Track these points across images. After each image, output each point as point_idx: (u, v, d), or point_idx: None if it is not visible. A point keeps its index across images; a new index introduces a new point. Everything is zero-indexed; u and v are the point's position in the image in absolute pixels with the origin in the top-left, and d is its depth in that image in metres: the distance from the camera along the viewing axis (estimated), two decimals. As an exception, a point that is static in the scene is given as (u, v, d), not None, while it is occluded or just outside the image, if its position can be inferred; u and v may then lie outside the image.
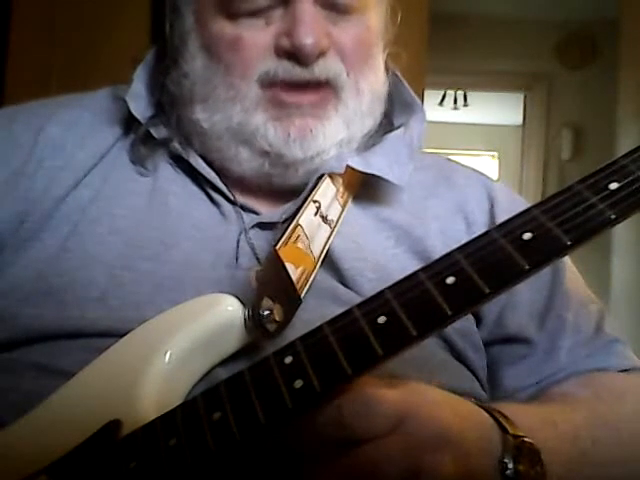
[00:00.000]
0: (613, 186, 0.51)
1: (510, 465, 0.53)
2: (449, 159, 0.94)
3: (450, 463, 0.50)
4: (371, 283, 0.71)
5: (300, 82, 0.73)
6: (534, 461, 0.55)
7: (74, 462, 0.58)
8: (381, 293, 0.53)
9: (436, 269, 0.52)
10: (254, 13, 0.73)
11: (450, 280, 0.51)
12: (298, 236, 0.70)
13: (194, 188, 0.78)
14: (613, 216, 0.50)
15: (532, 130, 4.34)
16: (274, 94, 0.74)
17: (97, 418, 0.59)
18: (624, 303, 2.97)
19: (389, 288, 0.53)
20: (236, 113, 0.74)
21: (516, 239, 0.51)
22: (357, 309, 0.53)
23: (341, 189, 0.78)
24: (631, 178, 0.51)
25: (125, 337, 0.65)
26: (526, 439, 0.55)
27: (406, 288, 0.52)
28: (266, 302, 0.63)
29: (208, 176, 0.77)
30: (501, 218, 0.55)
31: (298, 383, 0.51)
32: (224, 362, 0.65)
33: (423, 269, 0.53)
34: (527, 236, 0.51)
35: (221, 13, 0.74)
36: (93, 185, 0.76)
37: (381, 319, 0.51)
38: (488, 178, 0.89)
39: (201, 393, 0.57)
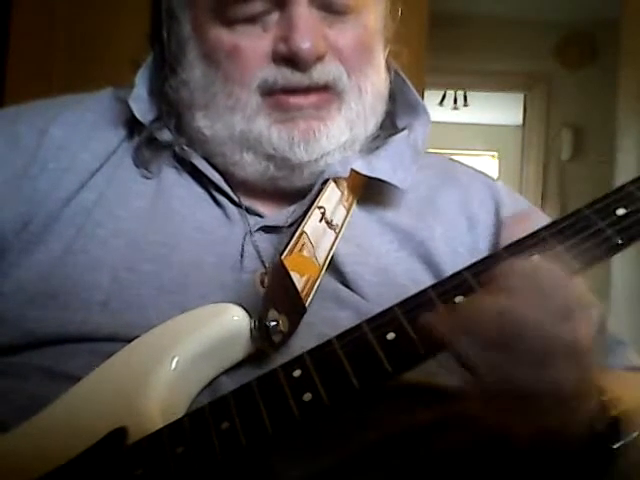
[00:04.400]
0: (620, 212, 0.52)
1: (600, 428, 0.53)
2: (452, 159, 0.94)
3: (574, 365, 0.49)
4: (373, 286, 0.71)
5: (299, 88, 0.73)
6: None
7: (79, 468, 0.58)
8: (390, 309, 0.54)
9: (445, 287, 0.52)
10: (250, 19, 0.73)
11: (459, 299, 0.51)
12: (303, 244, 0.70)
13: (198, 190, 0.78)
14: (620, 241, 0.51)
15: (532, 130, 4.35)
16: (275, 100, 0.74)
17: (103, 424, 0.59)
18: (624, 303, 2.97)
19: (398, 305, 0.54)
20: (237, 121, 0.74)
21: None
22: (366, 324, 0.54)
23: (346, 192, 0.78)
24: (638, 205, 0.52)
25: (131, 343, 0.65)
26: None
27: (415, 305, 0.53)
28: (272, 313, 0.63)
29: (212, 178, 0.77)
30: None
31: (307, 396, 0.52)
32: (229, 370, 0.65)
33: (432, 287, 0.53)
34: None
35: (217, 20, 0.74)
36: (97, 187, 0.76)
37: (390, 335, 0.52)
38: (490, 178, 0.89)
39: (209, 403, 0.57)
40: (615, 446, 0.53)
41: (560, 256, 0.51)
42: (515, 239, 0.54)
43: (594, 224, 0.52)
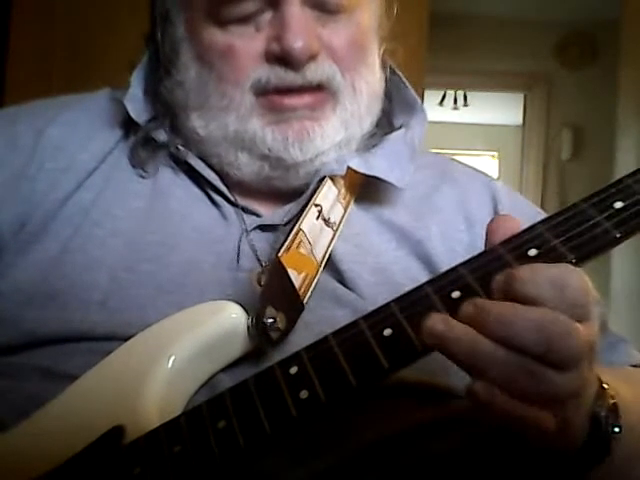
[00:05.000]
0: (618, 205, 0.52)
1: (602, 413, 0.53)
2: (452, 159, 0.94)
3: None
4: (371, 285, 0.72)
5: (293, 87, 0.73)
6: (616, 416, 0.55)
7: (77, 467, 0.58)
8: (387, 305, 0.53)
9: (441, 283, 0.52)
10: (243, 19, 0.73)
11: (455, 294, 0.51)
12: (300, 241, 0.70)
13: (195, 190, 0.78)
14: (618, 235, 0.50)
15: (532, 130, 4.35)
16: (269, 100, 0.74)
17: (100, 423, 0.59)
18: (624, 303, 2.97)
19: (395, 301, 0.54)
20: (231, 121, 0.74)
21: (522, 256, 0.51)
22: (363, 321, 0.53)
23: (343, 190, 0.78)
24: (636, 198, 0.52)
25: (128, 342, 0.65)
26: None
27: (412, 301, 0.52)
28: (270, 311, 0.63)
29: (209, 177, 0.77)
30: None
31: (304, 394, 0.52)
32: (227, 368, 0.65)
33: (428, 282, 0.53)
34: (533, 252, 0.51)
35: (211, 21, 0.74)
36: (95, 187, 0.76)
37: (387, 332, 0.52)
38: (489, 177, 0.89)
39: (206, 401, 0.57)
40: (616, 430, 0.54)
41: (557, 250, 0.51)
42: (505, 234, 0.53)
43: (591, 217, 0.51)
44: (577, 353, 0.47)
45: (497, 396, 0.47)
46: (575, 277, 0.48)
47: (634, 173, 0.53)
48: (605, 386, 0.55)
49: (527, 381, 0.47)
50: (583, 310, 0.48)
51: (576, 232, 0.51)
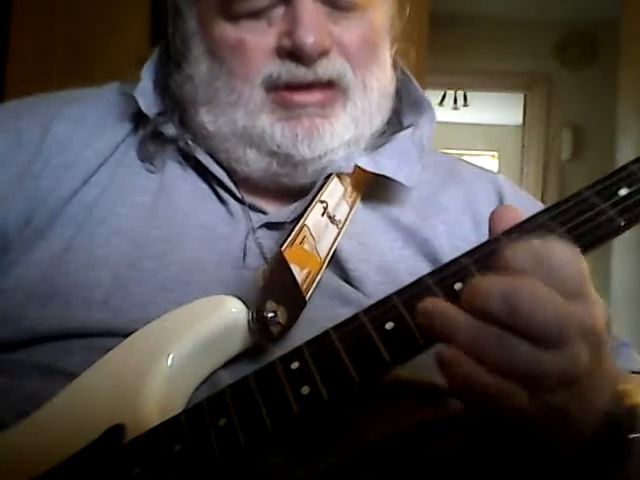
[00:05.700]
0: (622, 192, 0.51)
1: (620, 414, 0.52)
2: (458, 158, 0.94)
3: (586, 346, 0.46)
4: (376, 284, 0.71)
5: (303, 83, 0.73)
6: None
7: (77, 466, 0.57)
8: (388, 298, 0.53)
9: (443, 274, 0.51)
10: (255, 14, 0.73)
11: (458, 286, 0.50)
12: (304, 237, 0.69)
13: (202, 186, 0.77)
14: (622, 223, 0.50)
15: (532, 130, 4.36)
16: (279, 96, 0.74)
17: (100, 422, 0.59)
18: (624, 303, 2.97)
19: (396, 293, 0.53)
20: (240, 117, 0.74)
21: None
22: (364, 314, 0.53)
23: (349, 189, 0.78)
24: None
25: (128, 339, 0.64)
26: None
27: (413, 294, 0.52)
28: (270, 305, 0.62)
29: (216, 173, 0.76)
30: None
31: (305, 389, 0.51)
32: (227, 364, 0.64)
33: (430, 274, 0.52)
34: None
35: (222, 15, 0.74)
36: (100, 184, 0.75)
37: (389, 325, 0.51)
38: (493, 173, 0.89)
39: (206, 398, 0.56)
40: (631, 436, 0.52)
41: (561, 239, 0.50)
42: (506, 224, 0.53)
43: (596, 205, 0.50)
44: (557, 327, 0.45)
45: (463, 358, 0.45)
46: (561, 250, 0.46)
47: (638, 159, 0.52)
48: (620, 388, 0.53)
49: (497, 351, 0.45)
50: (573, 286, 0.46)
51: (580, 220, 0.50)
